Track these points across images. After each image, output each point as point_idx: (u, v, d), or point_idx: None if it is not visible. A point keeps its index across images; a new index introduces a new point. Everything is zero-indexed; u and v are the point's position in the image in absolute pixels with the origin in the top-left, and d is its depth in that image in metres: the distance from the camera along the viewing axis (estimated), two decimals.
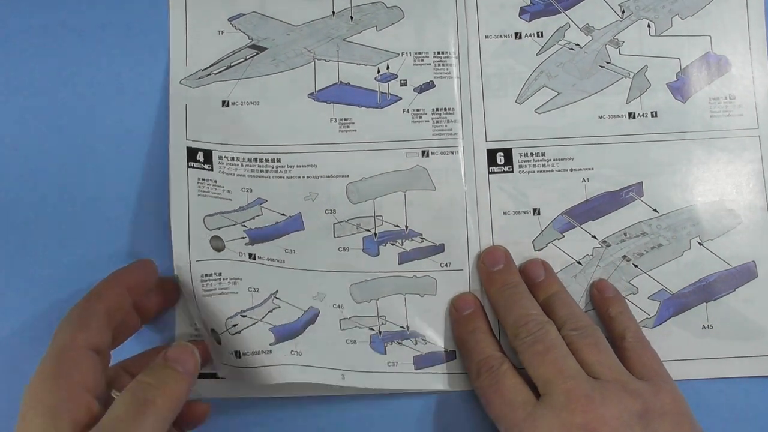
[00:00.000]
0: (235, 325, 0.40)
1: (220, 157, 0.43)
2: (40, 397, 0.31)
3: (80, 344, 0.33)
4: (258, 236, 0.43)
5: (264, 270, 0.42)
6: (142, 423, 0.31)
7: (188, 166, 0.42)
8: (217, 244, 0.42)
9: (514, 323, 0.40)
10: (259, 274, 0.42)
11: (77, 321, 0.34)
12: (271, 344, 0.41)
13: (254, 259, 0.42)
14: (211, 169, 0.42)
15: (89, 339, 0.34)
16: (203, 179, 0.42)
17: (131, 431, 0.31)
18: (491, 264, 0.42)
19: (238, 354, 0.40)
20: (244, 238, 0.42)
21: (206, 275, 0.41)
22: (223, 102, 0.44)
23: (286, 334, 0.41)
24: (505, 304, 0.41)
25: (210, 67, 0.44)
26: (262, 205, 0.43)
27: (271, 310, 0.41)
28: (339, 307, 0.42)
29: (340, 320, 0.42)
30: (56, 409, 0.31)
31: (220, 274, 0.41)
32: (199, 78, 0.44)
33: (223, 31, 0.45)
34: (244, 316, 0.41)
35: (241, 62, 0.45)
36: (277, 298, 0.42)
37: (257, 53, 0.45)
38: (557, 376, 0.37)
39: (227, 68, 0.45)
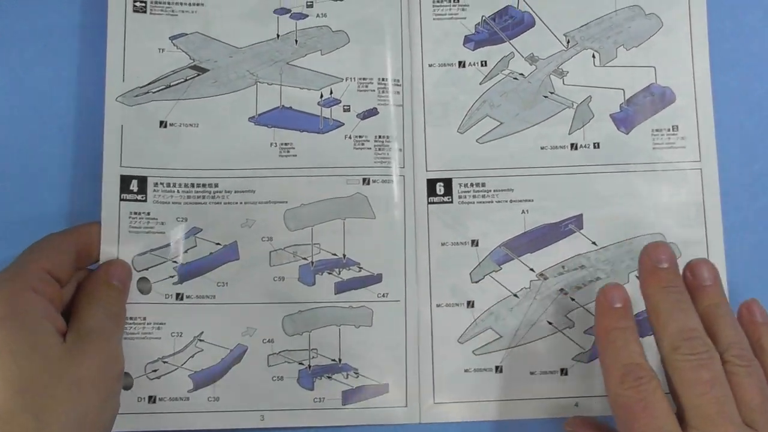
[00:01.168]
0: (155, 371, 0.41)
1: (156, 184, 0.43)
2: (21, 307, 0.35)
3: (45, 268, 0.37)
4: (189, 272, 0.43)
5: (190, 311, 0.42)
6: (119, 331, 0.40)
7: (120, 199, 0.42)
8: (144, 287, 0.42)
9: (676, 333, 0.36)
10: (184, 317, 0.42)
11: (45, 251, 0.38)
12: (189, 391, 0.42)
13: (182, 299, 0.42)
14: (145, 200, 0.42)
15: (52, 269, 0.37)
16: (136, 213, 0.42)
17: (113, 338, 0.39)
18: (657, 260, 0.38)
19: (152, 399, 0.41)
20: (173, 276, 0.42)
21: (130, 319, 0.41)
22: (161, 122, 0.43)
23: (205, 379, 0.42)
24: (668, 308, 0.37)
25: (148, 84, 0.44)
26: (196, 235, 0.43)
27: (193, 355, 0.42)
28: (269, 341, 0.42)
29: (268, 356, 0.42)
30: (40, 320, 0.35)
31: (144, 319, 0.42)
32: (137, 96, 0.43)
33: (163, 50, 0.44)
34: (164, 362, 0.42)
35: (181, 82, 0.44)
36: (201, 340, 0.42)
37: (198, 74, 0.44)
38: (719, 417, 0.34)
39: (166, 87, 0.44)
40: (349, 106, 0.44)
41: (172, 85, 0.44)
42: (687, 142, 0.44)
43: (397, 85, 0.44)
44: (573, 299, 0.44)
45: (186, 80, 0.44)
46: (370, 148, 0.44)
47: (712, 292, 0.38)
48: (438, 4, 0.45)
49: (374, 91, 0.44)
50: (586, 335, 0.43)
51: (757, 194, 0.46)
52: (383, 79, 0.44)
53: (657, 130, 0.45)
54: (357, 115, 0.44)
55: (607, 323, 0.38)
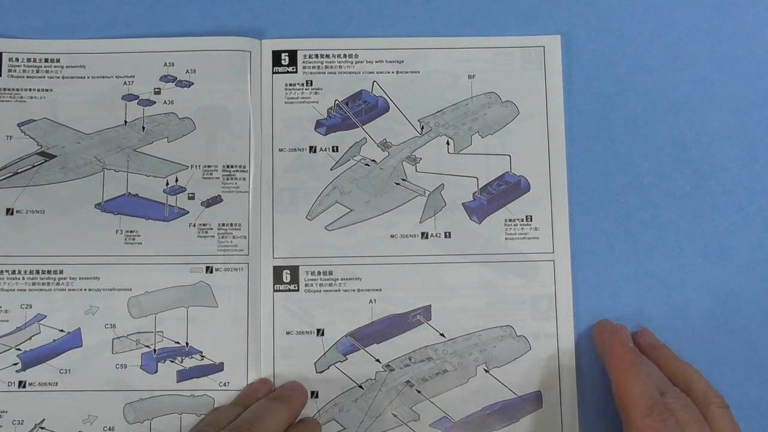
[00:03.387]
0: None
1: (1, 272, 0.43)
2: None
3: None
4: (32, 359, 0.42)
5: (32, 398, 0.42)
6: None
7: None
8: None
9: (644, 402, 0.38)
10: (26, 404, 0.42)
11: None
12: None
13: (24, 387, 0.42)
14: None
15: None
16: None
17: None
18: (612, 339, 0.41)
19: None
20: (16, 364, 0.42)
21: None
22: (8, 210, 0.43)
23: None
24: (632, 379, 0.39)
25: None
26: (40, 322, 0.43)
27: None
28: (110, 429, 0.42)
29: None
30: None
31: None
32: None
33: (11, 137, 0.44)
34: None
35: (28, 169, 0.44)
36: (42, 428, 0.42)
37: (45, 160, 0.44)
38: None
39: (13, 175, 0.44)
40: (193, 193, 0.44)
41: (19, 172, 0.44)
42: (540, 234, 0.44)
43: (243, 171, 0.44)
44: (419, 391, 0.43)
45: (33, 167, 0.44)
46: (214, 236, 0.43)
47: (664, 352, 0.41)
48: (290, 87, 0.44)
49: (219, 178, 0.44)
50: (431, 428, 0.43)
51: (757, 194, 0.45)
52: (228, 166, 0.44)
53: (510, 220, 0.44)
54: (201, 203, 0.43)
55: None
